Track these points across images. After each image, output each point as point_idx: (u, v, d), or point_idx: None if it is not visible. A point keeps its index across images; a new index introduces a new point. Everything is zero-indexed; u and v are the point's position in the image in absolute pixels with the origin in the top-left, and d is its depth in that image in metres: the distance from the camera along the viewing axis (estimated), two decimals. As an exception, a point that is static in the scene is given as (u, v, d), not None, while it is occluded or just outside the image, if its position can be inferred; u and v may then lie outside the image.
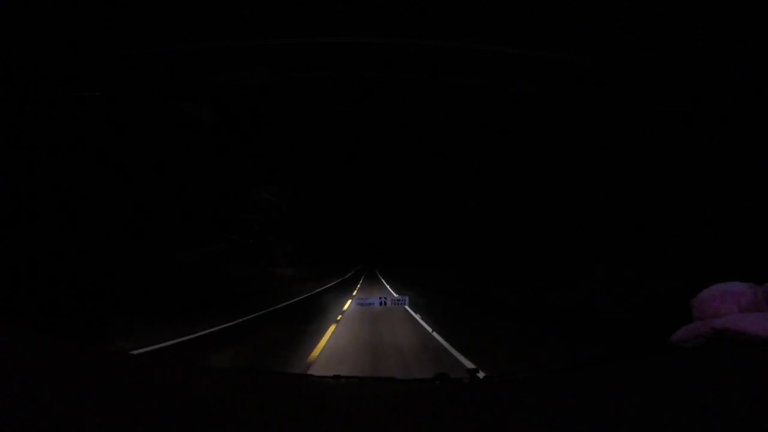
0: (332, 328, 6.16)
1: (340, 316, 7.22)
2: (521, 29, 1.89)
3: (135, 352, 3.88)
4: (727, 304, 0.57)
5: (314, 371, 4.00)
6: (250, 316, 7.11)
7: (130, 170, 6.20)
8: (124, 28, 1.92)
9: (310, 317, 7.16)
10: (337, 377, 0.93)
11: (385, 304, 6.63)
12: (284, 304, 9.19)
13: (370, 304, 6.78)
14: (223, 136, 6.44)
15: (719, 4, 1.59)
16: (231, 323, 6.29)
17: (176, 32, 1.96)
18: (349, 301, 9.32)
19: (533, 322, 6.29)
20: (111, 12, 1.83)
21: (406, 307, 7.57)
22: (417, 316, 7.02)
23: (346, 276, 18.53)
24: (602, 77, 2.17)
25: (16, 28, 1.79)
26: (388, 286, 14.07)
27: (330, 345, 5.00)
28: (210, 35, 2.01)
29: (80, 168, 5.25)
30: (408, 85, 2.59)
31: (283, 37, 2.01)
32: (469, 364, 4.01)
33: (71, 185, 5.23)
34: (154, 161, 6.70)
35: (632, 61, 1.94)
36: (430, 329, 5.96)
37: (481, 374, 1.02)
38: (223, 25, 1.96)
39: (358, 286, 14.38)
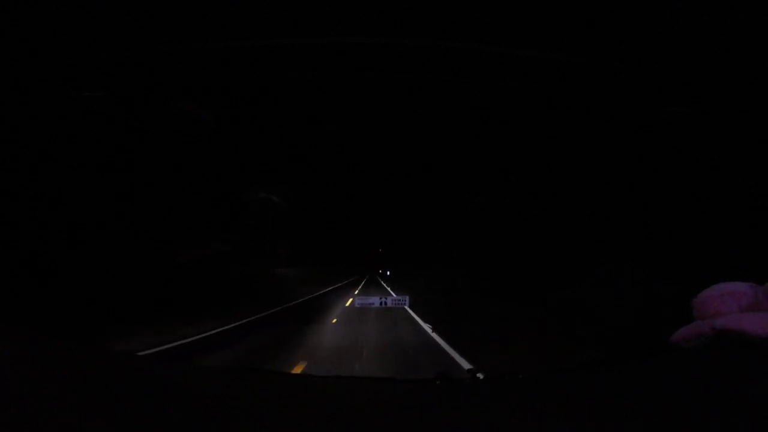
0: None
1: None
2: (522, 30, 1.90)
3: (141, 353, 3.89)
4: (728, 304, 0.56)
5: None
6: (252, 318, 7.14)
7: (130, 170, 6.20)
8: (124, 28, 1.92)
9: (311, 316, 7.22)
10: (337, 377, 0.93)
11: (386, 304, 6.69)
12: (285, 306, 9.22)
13: (370, 303, 6.83)
14: (223, 136, 6.44)
15: (719, 4, 1.59)
16: (233, 324, 6.30)
17: (176, 32, 1.96)
18: (351, 299, 9.39)
19: (533, 322, 6.30)
20: (111, 12, 1.83)
21: (406, 307, 7.60)
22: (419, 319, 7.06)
23: (347, 280, 18.57)
24: (603, 77, 2.17)
25: (17, 27, 1.79)
26: (388, 288, 14.11)
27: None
28: (210, 35, 2.01)
29: (81, 168, 5.25)
30: (408, 85, 2.59)
31: (283, 37, 2.01)
32: (469, 365, 4.01)
33: (72, 186, 5.23)
34: (154, 161, 6.70)
35: (632, 61, 1.94)
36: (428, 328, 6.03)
37: (481, 374, 1.02)
38: (223, 25, 1.96)
39: (358, 289, 14.46)
